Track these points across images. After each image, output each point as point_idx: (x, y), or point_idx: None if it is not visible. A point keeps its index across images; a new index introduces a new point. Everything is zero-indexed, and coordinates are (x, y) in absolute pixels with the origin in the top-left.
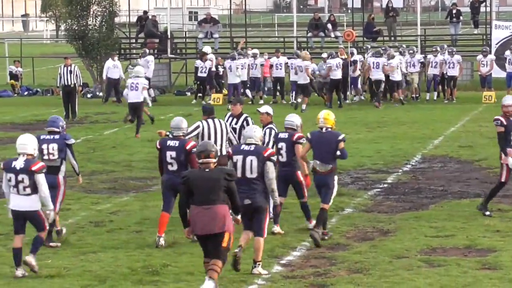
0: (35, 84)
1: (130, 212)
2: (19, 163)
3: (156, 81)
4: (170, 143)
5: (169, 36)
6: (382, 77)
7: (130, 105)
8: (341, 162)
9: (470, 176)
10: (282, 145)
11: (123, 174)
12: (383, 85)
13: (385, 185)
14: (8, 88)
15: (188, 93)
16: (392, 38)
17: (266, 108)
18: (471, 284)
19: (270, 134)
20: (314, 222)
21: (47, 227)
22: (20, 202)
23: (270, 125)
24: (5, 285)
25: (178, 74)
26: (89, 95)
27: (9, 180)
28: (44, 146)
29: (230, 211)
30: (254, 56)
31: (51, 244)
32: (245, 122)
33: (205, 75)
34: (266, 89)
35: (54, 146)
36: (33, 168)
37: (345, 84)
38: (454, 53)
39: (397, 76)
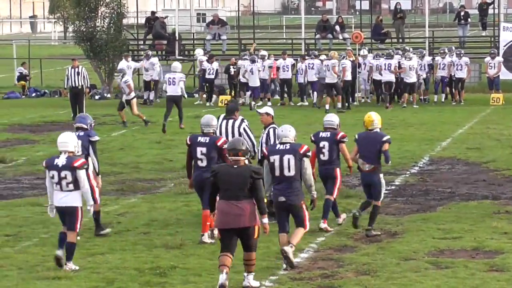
0: (43, 85)
1: (138, 213)
2: (61, 160)
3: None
4: (201, 139)
5: (177, 38)
6: (392, 78)
7: (168, 97)
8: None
9: (477, 178)
10: (324, 144)
11: (130, 176)
12: (393, 87)
13: (393, 187)
14: (16, 89)
15: (196, 95)
16: (400, 40)
17: (266, 109)
18: (479, 286)
19: (274, 133)
20: (325, 224)
21: (78, 229)
22: (63, 198)
23: (272, 125)
24: (14, 286)
25: (186, 75)
26: (97, 97)
27: (52, 177)
28: None
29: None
30: (263, 58)
31: (101, 232)
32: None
33: (213, 76)
34: (277, 89)
35: (78, 142)
36: (75, 165)
37: (353, 85)
38: (462, 55)
39: (410, 79)
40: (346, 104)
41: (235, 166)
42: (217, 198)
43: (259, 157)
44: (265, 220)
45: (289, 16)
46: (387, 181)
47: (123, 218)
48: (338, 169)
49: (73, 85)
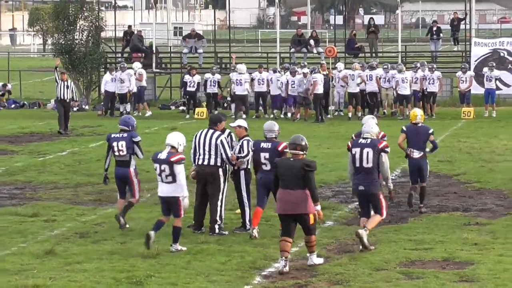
0: (22, 97)
1: (115, 223)
2: (163, 155)
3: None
4: (263, 145)
5: (154, 51)
6: (376, 89)
7: (236, 96)
8: (322, 176)
9: (448, 190)
10: (368, 151)
11: (108, 187)
12: (377, 97)
13: None
14: None
15: (173, 107)
16: (374, 55)
17: (238, 122)
18: None
19: (247, 145)
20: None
21: (182, 215)
22: (164, 189)
23: (246, 138)
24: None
25: (163, 88)
26: (75, 108)
27: (155, 169)
28: (114, 144)
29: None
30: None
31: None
32: (229, 137)
33: (193, 89)
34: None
35: (122, 143)
36: (172, 159)
37: (327, 99)
38: (434, 69)
39: (405, 91)
40: (320, 117)
41: (292, 159)
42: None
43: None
44: (318, 207)
45: (264, 30)
46: None
47: (100, 227)
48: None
49: (62, 97)
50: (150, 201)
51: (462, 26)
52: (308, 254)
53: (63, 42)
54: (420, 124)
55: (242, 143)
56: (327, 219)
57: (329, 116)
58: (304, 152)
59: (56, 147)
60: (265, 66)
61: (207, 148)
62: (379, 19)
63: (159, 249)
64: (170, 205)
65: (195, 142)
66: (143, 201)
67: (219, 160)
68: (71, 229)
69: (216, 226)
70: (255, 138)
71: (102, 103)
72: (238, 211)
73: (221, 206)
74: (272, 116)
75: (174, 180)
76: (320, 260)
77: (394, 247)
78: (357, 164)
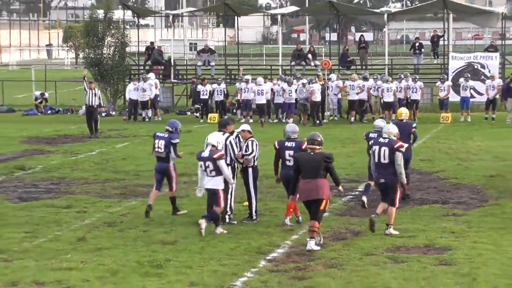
0: (57, 104)
1: (138, 214)
2: (205, 153)
3: (161, 102)
4: (288, 144)
5: (172, 64)
6: (365, 97)
7: (258, 105)
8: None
9: (429, 186)
10: (385, 149)
11: (132, 182)
12: (366, 105)
13: (357, 193)
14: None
15: (188, 113)
16: (364, 67)
17: (243, 126)
18: (430, 277)
19: (252, 144)
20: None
21: (222, 205)
22: (208, 182)
23: (251, 138)
24: (31, 276)
25: (180, 96)
26: (103, 114)
27: (200, 166)
28: (156, 141)
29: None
30: (247, 81)
31: (178, 213)
32: (236, 138)
33: (206, 97)
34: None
35: (162, 142)
36: (214, 156)
37: (323, 106)
38: (416, 79)
39: (389, 98)
40: (318, 121)
41: (312, 153)
42: None
43: (242, 167)
44: (340, 187)
45: (268, 45)
46: (351, 188)
47: (125, 218)
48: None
49: (90, 104)
50: (167, 195)
51: (441, 42)
52: (307, 239)
53: (92, 56)
54: (404, 120)
55: (247, 143)
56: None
57: (324, 120)
58: (320, 146)
59: (86, 147)
60: (269, 77)
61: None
62: (369, 36)
63: (177, 236)
64: (212, 196)
65: (206, 143)
66: (161, 195)
67: (228, 158)
68: (100, 219)
69: (227, 217)
70: (259, 140)
71: (127, 109)
72: (246, 203)
73: (230, 199)
74: (276, 120)
75: (217, 174)
76: (317, 247)
77: (382, 235)
78: (376, 160)
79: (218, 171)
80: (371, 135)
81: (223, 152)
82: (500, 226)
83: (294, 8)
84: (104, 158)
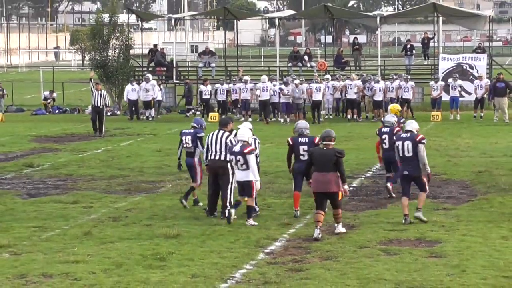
0: (64, 104)
1: (142, 209)
2: (237, 148)
3: (163, 102)
4: (301, 140)
5: (174, 65)
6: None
7: (261, 101)
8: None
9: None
10: (385, 136)
11: (136, 178)
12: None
13: (351, 188)
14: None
15: (189, 113)
16: (357, 68)
17: (245, 124)
18: (421, 269)
19: (254, 142)
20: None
21: (254, 195)
22: (239, 175)
23: (253, 137)
24: (40, 269)
25: (181, 96)
26: (109, 113)
27: (231, 160)
28: (183, 137)
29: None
30: (245, 82)
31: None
32: (236, 136)
33: (208, 97)
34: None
35: (189, 137)
36: (245, 151)
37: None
38: (408, 80)
39: (379, 98)
40: (317, 120)
41: (325, 148)
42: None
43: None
44: (345, 186)
45: (266, 47)
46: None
47: (130, 213)
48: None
49: (96, 104)
50: (171, 190)
51: (431, 44)
52: (335, 224)
53: (98, 58)
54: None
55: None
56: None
57: (321, 119)
58: (334, 142)
59: (92, 145)
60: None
61: (218, 146)
62: (362, 38)
63: (179, 230)
64: (245, 187)
65: (208, 141)
66: (165, 190)
67: (228, 156)
68: (105, 214)
69: (227, 211)
70: (259, 137)
71: (128, 110)
72: (245, 198)
73: (230, 194)
74: (273, 119)
75: (247, 168)
76: (343, 229)
77: (375, 228)
78: (401, 154)
79: (248, 165)
80: (384, 129)
81: (253, 147)
82: (488, 220)
83: (291, 12)
84: (110, 156)
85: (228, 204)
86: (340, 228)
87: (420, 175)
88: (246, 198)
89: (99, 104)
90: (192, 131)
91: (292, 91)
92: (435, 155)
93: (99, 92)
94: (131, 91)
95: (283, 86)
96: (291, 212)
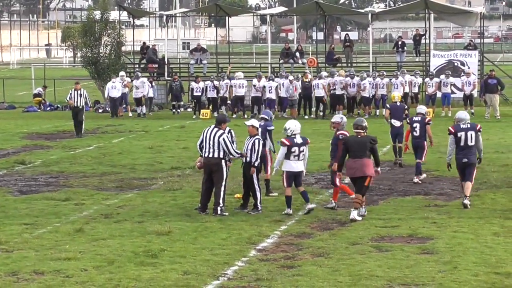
0: (56, 101)
1: (134, 206)
2: (298, 139)
3: (155, 99)
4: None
5: (166, 62)
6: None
7: (237, 97)
8: (307, 166)
9: (412, 178)
10: (416, 124)
11: (128, 175)
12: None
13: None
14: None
15: (182, 109)
16: (349, 65)
17: (252, 122)
18: (413, 265)
19: (258, 144)
20: (417, 179)
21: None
22: (298, 166)
23: (257, 136)
24: (31, 266)
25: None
26: (100, 110)
27: (294, 152)
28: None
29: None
30: (240, 78)
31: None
32: (229, 134)
33: (199, 94)
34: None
35: (259, 130)
36: (308, 142)
37: (310, 102)
38: (398, 76)
39: (365, 94)
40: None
41: (358, 136)
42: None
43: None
44: (378, 169)
45: (258, 44)
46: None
47: (122, 210)
48: (425, 142)
49: (75, 105)
50: (163, 187)
51: (422, 41)
52: (351, 209)
53: (90, 55)
54: (398, 103)
55: (254, 141)
56: (311, 202)
57: (312, 116)
58: (365, 130)
59: (84, 142)
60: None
61: (211, 143)
62: (354, 35)
63: (171, 227)
64: (298, 177)
65: (203, 136)
66: (156, 187)
67: (221, 153)
68: (97, 211)
69: (219, 208)
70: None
71: (108, 107)
72: (237, 195)
73: (223, 192)
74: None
75: (303, 157)
76: (359, 218)
77: (367, 225)
78: (462, 144)
79: (305, 155)
80: (415, 118)
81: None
82: (479, 216)
83: (282, 9)
84: (101, 153)
85: (220, 201)
86: (355, 215)
87: (475, 162)
88: (236, 195)
89: (78, 104)
90: (263, 123)
91: (286, 87)
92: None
93: (79, 91)
94: (111, 89)
95: (255, 81)
96: (283, 208)
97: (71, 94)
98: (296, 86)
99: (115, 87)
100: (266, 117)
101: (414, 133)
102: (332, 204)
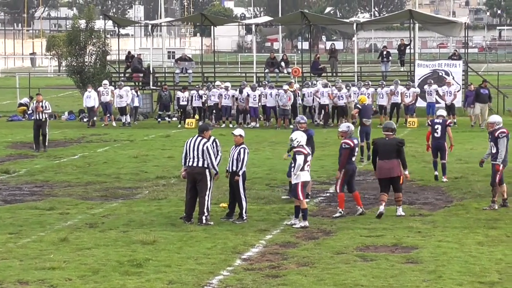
0: None
1: (119, 215)
2: (308, 149)
3: (140, 108)
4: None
5: (151, 71)
6: (328, 102)
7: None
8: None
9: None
10: (438, 126)
11: (113, 185)
12: (329, 109)
13: (328, 194)
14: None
15: (167, 118)
16: (334, 74)
17: (239, 131)
18: (398, 275)
19: (244, 153)
20: (445, 179)
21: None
22: (307, 175)
23: (243, 146)
24: (15, 275)
25: (156, 103)
26: (85, 120)
27: (307, 161)
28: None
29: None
30: (226, 88)
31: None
32: (214, 143)
33: (185, 103)
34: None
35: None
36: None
37: (296, 111)
38: (383, 86)
39: (341, 103)
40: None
41: (387, 138)
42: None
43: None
44: (407, 172)
45: (243, 54)
46: (322, 190)
47: (106, 219)
48: (445, 143)
49: (37, 117)
50: (147, 197)
51: (407, 51)
52: (396, 207)
53: (75, 64)
54: (366, 103)
55: (240, 150)
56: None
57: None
58: (394, 133)
59: (69, 151)
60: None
61: (195, 153)
62: (339, 45)
63: (156, 236)
64: (306, 186)
65: (186, 147)
66: (141, 197)
67: (205, 162)
68: (82, 220)
69: (203, 218)
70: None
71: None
72: (222, 205)
73: (208, 201)
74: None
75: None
76: (403, 213)
77: (352, 234)
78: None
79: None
80: (436, 120)
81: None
82: (464, 226)
83: (267, 18)
84: (86, 162)
85: (205, 210)
86: (401, 211)
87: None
88: (221, 204)
89: (41, 117)
90: (310, 131)
91: (280, 97)
92: (411, 161)
93: (40, 103)
94: (87, 98)
95: (237, 93)
96: (268, 218)
97: (33, 105)
98: (290, 96)
99: (90, 97)
100: (303, 124)
101: (435, 134)
102: (360, 210)
